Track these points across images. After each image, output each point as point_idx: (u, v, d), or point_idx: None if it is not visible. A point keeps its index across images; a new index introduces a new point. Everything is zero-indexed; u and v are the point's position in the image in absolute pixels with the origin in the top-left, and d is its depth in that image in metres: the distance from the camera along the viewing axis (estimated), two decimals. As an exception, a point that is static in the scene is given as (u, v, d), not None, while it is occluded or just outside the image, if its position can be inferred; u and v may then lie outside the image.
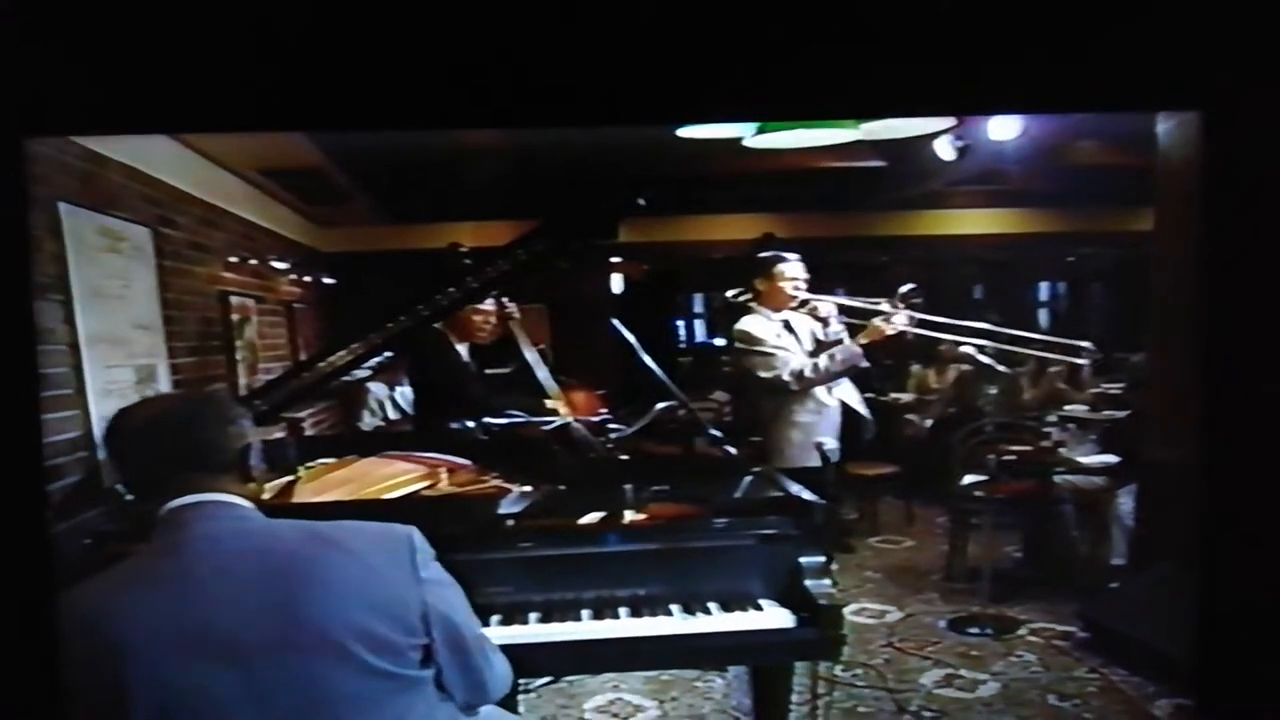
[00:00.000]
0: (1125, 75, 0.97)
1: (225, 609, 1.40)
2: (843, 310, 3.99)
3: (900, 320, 3.86)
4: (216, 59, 0.97)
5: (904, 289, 3.99)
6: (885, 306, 3.91)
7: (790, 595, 2.25)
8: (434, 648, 1.52)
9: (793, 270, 4.00)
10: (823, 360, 3.86)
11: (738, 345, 4.06)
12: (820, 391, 3.94)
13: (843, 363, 3.86)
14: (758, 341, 3.95)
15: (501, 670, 1.69)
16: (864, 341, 3.86)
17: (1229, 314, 0.98)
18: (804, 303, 3.99)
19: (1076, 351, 4.20)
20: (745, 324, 4.03)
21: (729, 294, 4.19)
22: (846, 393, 4.05)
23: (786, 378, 3.88)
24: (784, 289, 3.98)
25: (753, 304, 4.07)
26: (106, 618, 1.39)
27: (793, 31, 0.96)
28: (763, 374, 3.94)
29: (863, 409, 4.11)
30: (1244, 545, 0.99)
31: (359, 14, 0.97)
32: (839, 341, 3.95)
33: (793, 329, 4.01)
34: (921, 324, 3.95)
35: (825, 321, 3.96)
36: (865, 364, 3.93)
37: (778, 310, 4.02)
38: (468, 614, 1.62)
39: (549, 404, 3.68)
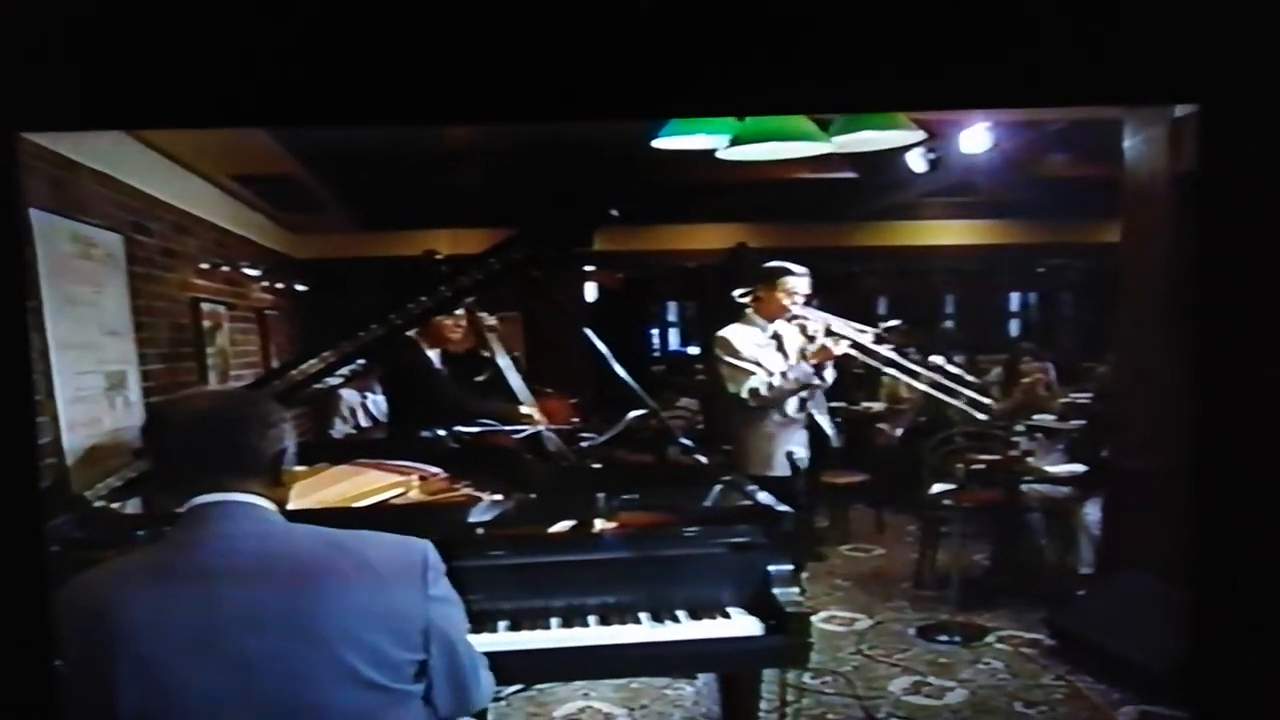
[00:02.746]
0: (1125, 68, 0.97)
1: (230, 608, 1.40)
2: (830, 332, 3.99)
3: (845, 344, 3.89)
4: (210, 54, 0.97)
5: (890, 324, 4.05)
6: (869, 336, 3.94)
7: (758, 603, 2.27)
8: (430, 664, 1.51)
9: (796, 284, 4.00)
10: (776, 379, 3.90)
11: (716, 351, 4.08)
12: (790, 405, 3.97)
13: (795, 381, 3.90)
14: (734, 353, 3.97)
15: (488, 688, 1.70)
16: (814, 361, 3.89)
17: (1225, 312, 0.98)
18: (795, 317, 4.00)
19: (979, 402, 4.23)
20: (727, 332, 4.04)
21: (736, 293, 4.20)
22: (817, 407, 4.07)
23: (744, 395, 3.91)
24: (781, 301, 4.00)
25: (748, 309, 4.09)
26: (105, 605, 1.40)
27: (786, 25, 0.96)
28: (729, 387, 3.98)
29: (828, 425, 4.14)
30: (1236, 552, 1.00)
31: (343, 12, 0.97)
32: None
33: (781, 341, 4.03)
34: (870, 355, 3.97)
35: (812, 339, 3.97)
36: (818, 382, 3.96)
37: (771, 320, 4.04)
38: (466, 632, 1.62)
39: (523, 410, 3.68)
